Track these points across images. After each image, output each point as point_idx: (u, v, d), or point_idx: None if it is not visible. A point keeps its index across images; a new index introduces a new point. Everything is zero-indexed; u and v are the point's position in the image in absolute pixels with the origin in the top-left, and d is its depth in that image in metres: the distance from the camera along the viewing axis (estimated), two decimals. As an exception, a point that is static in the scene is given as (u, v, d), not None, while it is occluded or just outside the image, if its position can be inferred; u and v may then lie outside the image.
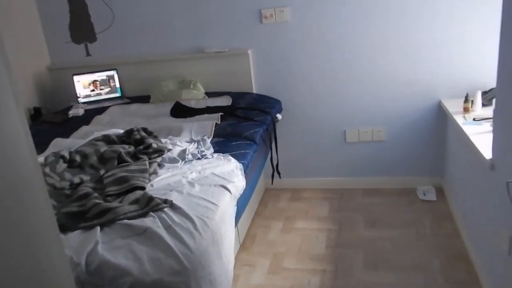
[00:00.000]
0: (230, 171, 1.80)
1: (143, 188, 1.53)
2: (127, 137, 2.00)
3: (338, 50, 2.87)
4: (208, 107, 2.69)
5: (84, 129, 2.56)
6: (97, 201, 1.41)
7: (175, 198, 1.53)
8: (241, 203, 1.84)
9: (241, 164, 1.90)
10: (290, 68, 2.98)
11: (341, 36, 2.83)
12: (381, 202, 2.95)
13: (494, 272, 1.90)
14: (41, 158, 1.81)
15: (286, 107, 3.05)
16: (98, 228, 1.34)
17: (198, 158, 1.89)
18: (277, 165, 2.76)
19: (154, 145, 1.84)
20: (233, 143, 2.15)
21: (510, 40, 1.63)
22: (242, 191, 1.78)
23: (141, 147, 1.85)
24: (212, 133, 2.27)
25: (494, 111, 1.83)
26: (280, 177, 2.81)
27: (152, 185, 1.62)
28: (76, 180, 1.63)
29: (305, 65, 2.95)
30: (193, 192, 1.59)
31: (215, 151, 2.03)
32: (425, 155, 3.01)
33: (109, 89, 3.24)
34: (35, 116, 3.10)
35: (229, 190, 1.66)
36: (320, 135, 3.12)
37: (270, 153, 2.60)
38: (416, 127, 2.95)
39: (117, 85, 3.26)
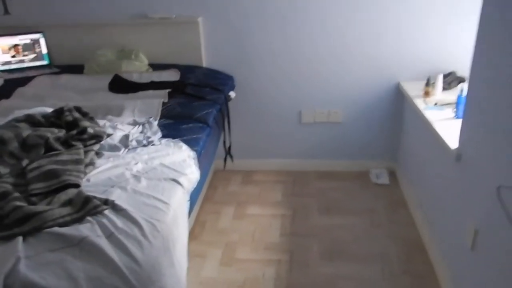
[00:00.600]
0: (182, 161, 1.57)
1: (77, 186, 1.25)
2: (56, 117, 1.68)
3: (295, 26, 2.66)
4: (153, 82, 2.39)
5: (3, 104, 2.17)
6: (18, 203, 1.13)
7: (117, 196, 1.27)
8: (194, 196, 1.62)
9: (194, 152, 1.67)
10: (244, 41, 2.73)
11: (299, 12, 2.62)
12: (335, 186, 2.85)
13: (454, 266, 1.85)
14: None
15: (239, 84, 2.82)
16: (20, 238, 1.06)
17: (144, 145, 1.63)
18: (229, 147, 2.55)
19: (90, 130, 1.55)
20: (184, 126, 1.90)
21: (487, 29, 1.51)
22: (196, 183, 1.56)
23: (74, 131, 1.55)
24: (159, 114, 2.00)
25: (466, 99, 1.73)
26: (232, 161, 2.60)
27: (88, 180, 1.35)
28: (-10, 174, 1.32)
29: (260, 39, 2.72)
30: (139, 188, 1.34)
31: (164, 136, 1.77)
32: (380, 138, 2.92)
33: (34, 55, 2.82)
34: None
35: (181, 184, 1.43)
36: (275, 115, 2.93)
37: (222, 135, 2.38)
38: (373, 109, 2.84)
39: (44, 51, 2.84)
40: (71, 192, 1.22)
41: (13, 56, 2.77)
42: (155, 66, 2.71)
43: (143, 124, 1.78)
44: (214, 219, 2.54)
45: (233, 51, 2.76)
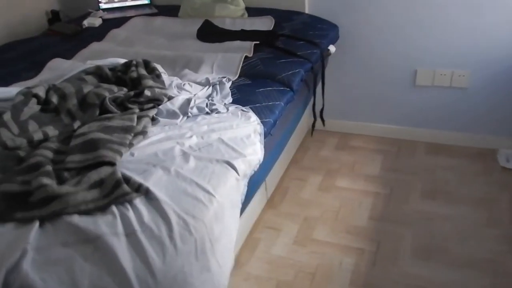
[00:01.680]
0: (245, 136, 1.33)
1: (113, 164, 1.11)
2: (123, 72, 1.55)
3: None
4: (242, 31, 2.14)
5: (93, 47, 2.13)
6: (45, 180, 1.02)
7: (157, 180, 1.10)
8: (257, 178, 1.40)
9: (262, 126, 1.41)
10: (355, -16, 2.30)
11: None
12: (447, 164, 2.39)
13: None
14: (14, 91, 1.43)
15: (344, 34, 2.42)
16: (37, 224, 0.96)
17: (207, 113, 1.42)
18: (321, 110, 2.23)
19: (148, 92, 1.37)
20: (261, 89, 1.64)
21: None
22: (258, 166, 1.32)
23: (132, 92, 1.40)
24: (238, 72, 1.76)
25: None
26: (324, 125, 2.29)
27: (132, 154, 1.19)
28: (37, 135, 1.23)
29: (375, -19, 2.26)
30: (184, 170, 1.15)
31: (235, 101, 1.54)
32: (516, 112, 2.34)
33: (136, -6, 2.73)
34: (53, 21, 2.70)
35: (236, 170, 1.20)
36: (382, 73, 2.50)
37: (313, 98, 2.06)
38: (510, 74, 2.25)
39: (146, -11, 2.73)
40: (104, 171, 1.08)
41: (116, -6, 2.71)
42: (252, 11, 2.44)
43: (215, 85, 1.56)
44: (298, 188, 2.31)
45: (341, -5, 2.36)
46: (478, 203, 2.10)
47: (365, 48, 2.46)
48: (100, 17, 2.52)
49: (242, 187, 1.24)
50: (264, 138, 1.41)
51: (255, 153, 1.30)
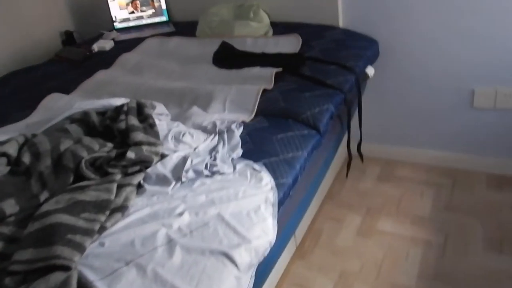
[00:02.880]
0: (253, 210, 1.04)
1: (67, 268, 0.85)
2: (113, 119, 1.29)
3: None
4: (264, 54, 1.84)
5: (99, 76, 1.91)
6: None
7: (126, 285, 0.83)
8: (267, 263, 1.10)
9: (276, 193, 1.11)
10: (398, -8, 1.95)
11: None
12: (516, 203, 1.98)
13: None
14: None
15: (385, 50, 2.07)
16: None
17: (207, 176, 1.14)
18: (359, 145, 1.89)
19: (131, 155, 1.11)
20: (280, 134, 1.33)
21: None
22: (268, 250, 1.03)
23: (113, 153, 1.14)
24: (255, 110, 1.47)
25: None
26: (362, 161, 1.95)
27: (102, 244, 0.93)
28: (-10, 213, 1.00)
29: (423, -12, 1.89)
30: (165, 270, 0.87)
31: (246, 152, 1.25)
32: None
33: (153, 11, 2.50)
34: (68, 42, 2.52)
35: (236, 264, 0.92)
36: (433, 92, 2.12)
37: (347, 133, 1.73)
38: None
39: (163, 6, 2.49)
40: (55, 279, 0.82)
41: (132, 12, 2.49)
42: (277, 27, 2.14)
43: (222, 133, 1.28)
44: (333, 231, 1.99)
45: (382, 5, 2.00)
46: (558, 258, 1.69)
47: (411, 64, 2.09)
48: (113, 39, 2.31)
49: (245, 284, 0.94)
50: (279, 207, 1.11)
51: (264, 234, 1.01)
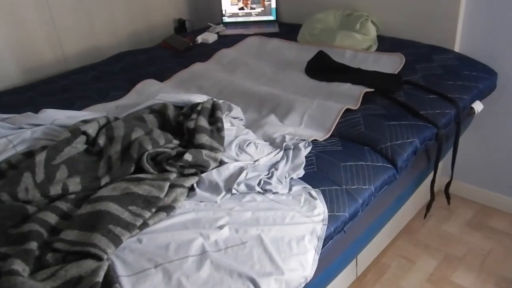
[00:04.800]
0: (296, 239, 0.98)
1: (100, 259, 0.87)
2: (187, 116, 1.32)
3: None
4: (359, 71, 1.74)
5: (194, 68, 1.96)
6: (16, 265, 0.84)
7: (149, 287, 0.84)
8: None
9: (325, 227, 1.03)
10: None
11: None
12: None
13: None
14: (79, 117, 1.34)
15: (505, 85, 1.83)
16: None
17: (258, 192, 1.10)
18: (448, 185, 1.70)
19: (188, 158, 1.11)
20: (350, 162, 1.24)
21: None
22: (302, 286, 0.96)
23: (174, 152, 1.15)
24: (332, 130, 1.39)
25: None
26: (449, 203, 1.76)
27: (140, 240, 0.94)
28: (55, 190, 1.07)
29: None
30: (190, 282, 0.86)
31: (308, 175, 1.18)
32: None
33: (262, 9, 2.51)
34: (180, 30, 2.64)
35: (261, 294, 0.87)
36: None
37: (433, 173, 1.56)
38: None
39: (273, 5, 2.49)
40: (86, 266, 0.85)
41: (241, 8, 2.53)
42: (384, 42, 2.01)
43: (287, 150, 1.23)
44: (400, 270, 1.83)
45: (507, 33, 1.76)
46: None
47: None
48: (218, 32, 2.36)
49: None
50: (328, 241, 1.03)
51: (301, 267, 0.95)
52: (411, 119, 1.42)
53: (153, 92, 1.67)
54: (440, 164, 1.69)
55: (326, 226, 1.03)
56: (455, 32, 1.87)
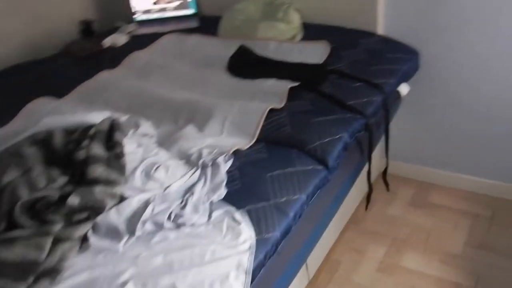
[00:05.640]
0: (220, 279, 0.86)
1: None
2: (78, 143, 1.12)
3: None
4: (283, 64, 1.63)
5: (101, 77, 1.72)
6: None
7: None
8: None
9: (252, 258, 0.92)
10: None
11: None
12: None
13: None
14: None
15: (428, 64, 1.80)
16: None
17: (170, 229, 0.96)
18: (384, 172, 1.66)
19: (74, 200, 0.93)
20: (278, 170, 1.14)
21: None
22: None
23: (56, 196, 0.97)
24: (257, 134, 1.28)
25: None
26: (388, 189, 1.71)
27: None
28: None
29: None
30: None
31: (231, 193, 1.07)
32: None
33: (179, 2, 2.33)
34: (87, 33, 2.34)
35: None
36: (481, 111, 1.83)
37: (368, 162, 1.50)
38: None
39: (191, -4, 2.32)
40: None
41: (155, 3, 2.34)
42: (309, 29, 1.91)
43: (205, 168, 1.10)
44: (352, 264, 1.78)
45: (431, 12, 1.72)
46: None
47: (457, 84, 1.80)
48: (129, 32, 2.17)
49: None
50: (260, 271, 0.93)
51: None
52: (338, 112, 1.34)
53: (47, 114, 1.43)
54: (377, 150, 1.64)
55: (253, 254, 0.92)
56: (376, 15, 1.81)
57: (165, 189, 1.03)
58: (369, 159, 1.45)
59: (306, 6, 1.95)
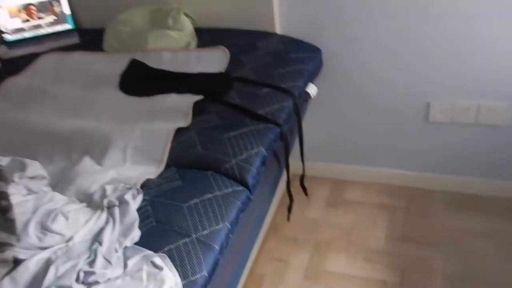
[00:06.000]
0: None
1: None
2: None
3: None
4: (182, 75, 1.50)
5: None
6: None
7: None
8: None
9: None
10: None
11: None
12: (477, 227, 1.78)
13: None
14: None
15: (331, 60, 1.79)
16: None
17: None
18: (302, 178, 1.61)
19: None
20: (195, 199, 1.01)
21: None
22: None
23: None
24: (165, 159, 1.13)
25: None
26: (306, 194, 1.67)
27: None
28: None
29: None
30: None
31: (146, 232, 0.91)
32: None
33: (54, 18, 2.07)
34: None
35: None
36: (385, 105, 1.87)
37: (286, 169, 1.43)
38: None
39: (66, 11, 2.07)
40: None
41: (27, 21, 2.05)
42: (203, 34, 1.79)
43: (111, 208, 0.93)
44: (277, 275, 1.71)
45: (325, 8, 1.71)
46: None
47: (361, 75, 1.82)
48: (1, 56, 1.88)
49: None
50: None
51: None
52: (250, 124, 1.25)
53: None
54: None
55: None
56: (273, 15, 1.76)
57: (68, 241, 0.84)
58: (287, 168, 1.38)
59: (197, 10, 1.84)
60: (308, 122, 1.85)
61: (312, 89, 1.55)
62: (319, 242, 1.82)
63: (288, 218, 1.56)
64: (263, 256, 1.79)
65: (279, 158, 1.35)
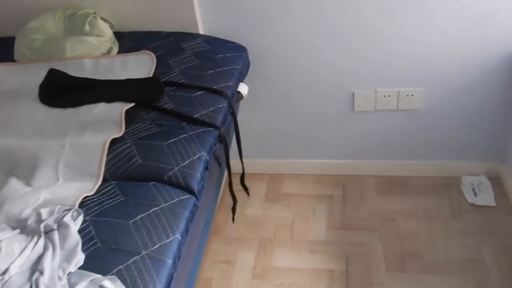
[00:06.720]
0: None
1: None
2: None
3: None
4: (108, 82, 1.42)
5: None
6: None
7: None
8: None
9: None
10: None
11: None
12: (409, 206, 1.89)
13: None
14: None
15: (256, 59, 1.80)
16: None
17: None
18: (242, 177, 1.60)
19: None
20: (140, 214, 0.96)
21: None
22: None
23: None
24: (102, 173, 1.07)
25: None
26: (248, 195, 1.67)
27: None
28: None
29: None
30: None
31: (91, 255, 0.85)
32: (478, 130, 1.89)
33: (-49, 27, 1.86)
34: None
35: None
36: (313, 98, 1.92)
37: (227, 170, 1.41)
38: (471, 90, 1.78)
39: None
40: None
41: None
42: (125, 39, 1.71)
43: (49, 233, 0.86)
44: (224, 278, 1.70)
45: (244, 5, 1.71)
46: (459, 270, 1.62)
47: (287, 70, 1.85)
48: None
49: None
50: None
51: None
52: (188, 128, 1.22)
53: None
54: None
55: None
56: (194, 12, 1.72)
57: (3, 274, 0.76)
58: (229, 169, 1.36)
59: (115, 13, 1.75)
60: (241, 121, 1.84)
61: (244, 88, 1.55)
62: (263, 239, 1.83)
63: (233, 219, 1.55)
64: (208, 260, 1.77)
65: (219, 160, 1.33)
